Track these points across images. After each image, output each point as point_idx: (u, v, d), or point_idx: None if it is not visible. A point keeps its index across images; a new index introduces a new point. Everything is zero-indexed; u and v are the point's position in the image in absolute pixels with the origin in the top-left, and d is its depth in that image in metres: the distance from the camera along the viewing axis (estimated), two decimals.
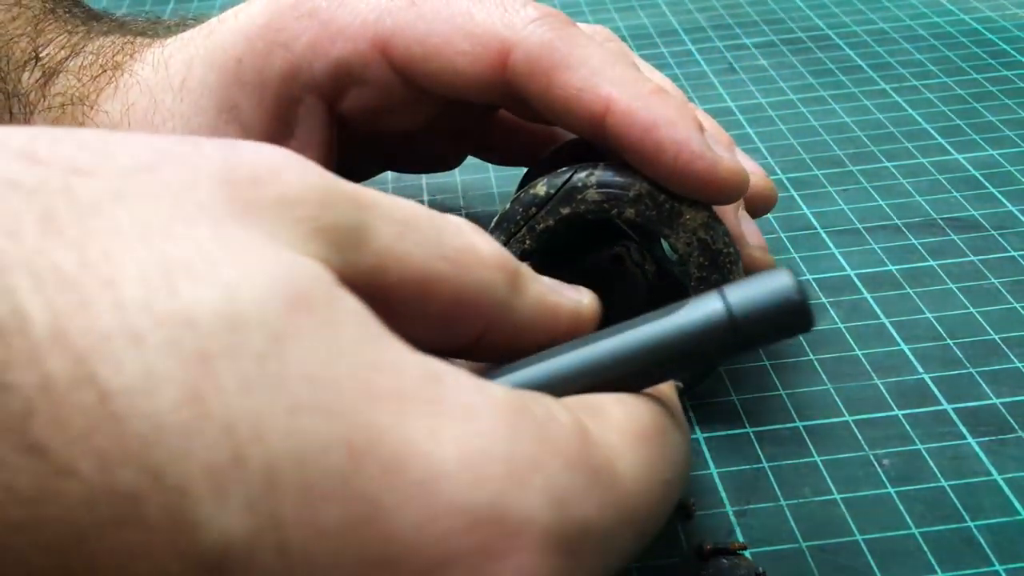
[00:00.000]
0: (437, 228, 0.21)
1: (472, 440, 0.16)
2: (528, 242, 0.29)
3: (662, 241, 0.34)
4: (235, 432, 0.15)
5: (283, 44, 0.31)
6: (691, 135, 0.28)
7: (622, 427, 0.20)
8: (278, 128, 0.32)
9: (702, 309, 0.21)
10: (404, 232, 0.20)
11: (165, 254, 0.15)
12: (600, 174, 0.29)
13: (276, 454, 0.15)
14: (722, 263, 0.29)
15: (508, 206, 0.30)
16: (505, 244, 0.29)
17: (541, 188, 0.29)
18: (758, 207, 0.32)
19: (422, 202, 0.45)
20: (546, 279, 0.24)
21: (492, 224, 0.30)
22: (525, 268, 0.23)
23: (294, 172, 0.18)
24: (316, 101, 0.32)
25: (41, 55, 0.35)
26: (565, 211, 0.29)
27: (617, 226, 0.31)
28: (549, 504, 0.16)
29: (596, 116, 0.28)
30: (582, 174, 0.29)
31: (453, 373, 0.17)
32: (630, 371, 0.21)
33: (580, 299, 0.24)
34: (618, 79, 0.28)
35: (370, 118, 0.33)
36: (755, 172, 0.31)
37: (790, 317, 0.21)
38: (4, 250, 0.14)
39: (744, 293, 0.21)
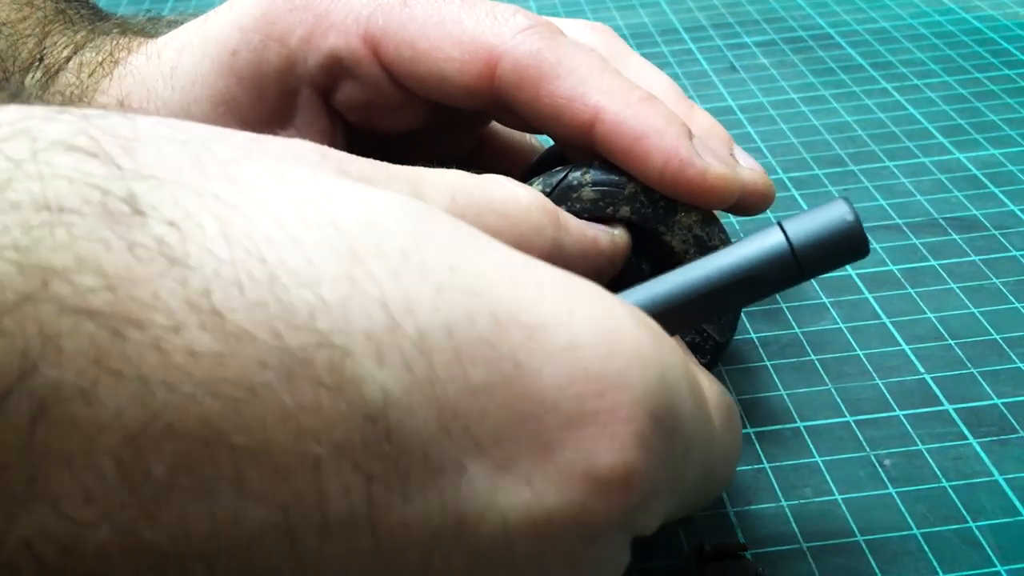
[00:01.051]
0: (482, 187, 0.23)
1: (607, 322, 0.19)
2: None
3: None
4: (388, 306, 0.17)
5: (278, 38, 0.31)
6: (680, 143, 0.28)
7: (708, 389, 0.23)
8: (277, 120, 0.33)
9: (764, 242, 0.23)
10: (455, 196, 0.22)
11: (303, 188, 0.18)
12: (595, 173, 0.29)
13: (426, 323, 0.17)
14: None
15: (534, 188, 0.29)
16: None
17: (537, 187, 0.29)
18: (756, 204, 0.32)
19: None
20: (580, 220, 0.27)
21: None
22: (561, 209, 0.26)
23: (360, 158, 0.21)
24: (312, 93, 0.32)
25: (45, 56, 0.35)
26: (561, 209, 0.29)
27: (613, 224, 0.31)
28: (662, 389, 0.19)
29: (584, 126, 0.28)
30: (577, 173, 0.29)
31: (576, 276, 0.20)
32: (700, 302, 0.23)
33: (612, 231, 0.28)
34: (606, 88, 0.29)
35: (364, 114, 0.33)
36: (754, 169, 0.32)
37: (846, 244, 0.22)
38: (172, 179, 0.17)
39: (802, 224, 0.23)
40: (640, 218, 0.29)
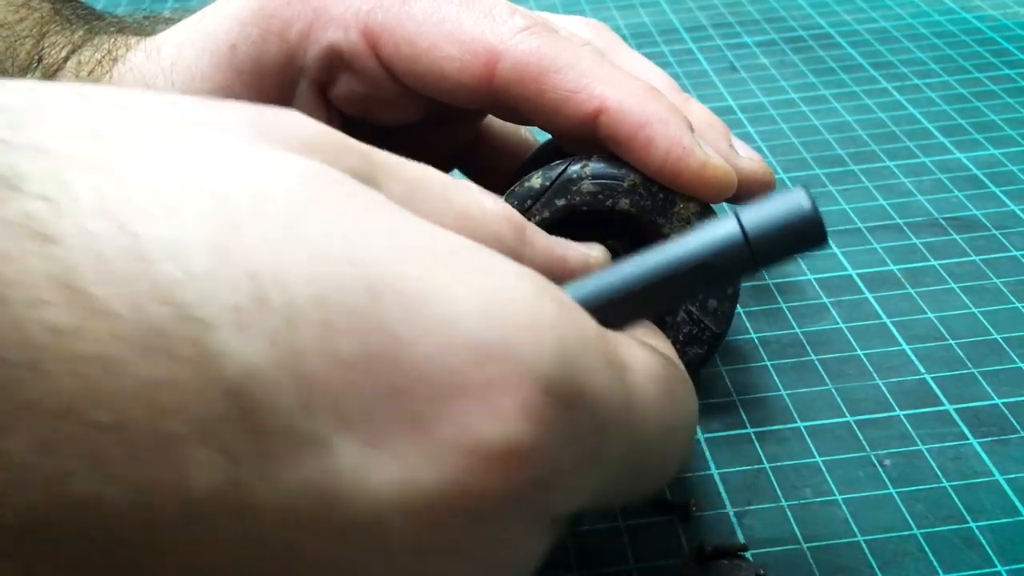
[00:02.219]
0: (445, 187, 0.23)
1: (497, 292, 0.18)
2: None
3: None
4: (258, 277, 0.16)
5: (277, 31, 0.32)
6: (683, 133, 0.28)
7: (640, 360, 0.21)
8: None
9: (718, 229, 0.23)
10: (414, 191, 0.22)
11: (196, 154, 0.18)
12: (594, 165, 0.29)
13: (296, 294, 0.17)
14: None
15: (503, 199, 0.30)
16: None
17: (536, 181, 0.29)
18: (756, 193, 0.32)
19: None
20: (555, 237, 0.26)
21: None
22: (532, 225, 0.25)
23: (312, 123, 0.20)
24: (309, 86, 0.32)
25: (44, 56, 0.35)
26: (560, 203, 0.29)
27: (608, 221, 0.31)
28: (557, 359, 0.18)
29: (588, 117, 0.29)
30: (576, 166, 0.29)
31: (489, 250, 0.19)
32: (654, 289, 0.23)
33: (588, 252, 0.27)
34: (608, 79, 0.29)
35: (362, 108, 0.33)
36: (752, 158, 0.32)
37: (802, 232, 0.22)
38: (61, 152, 0.17)
39: (757, 211, 0.22)
40: (639, 210, 0.29)
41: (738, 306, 0.36)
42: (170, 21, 0.37)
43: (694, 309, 0.30)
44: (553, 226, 0.30)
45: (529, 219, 0.29)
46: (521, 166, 0.35)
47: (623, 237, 0.31)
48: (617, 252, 0.31)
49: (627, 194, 0.29)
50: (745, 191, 0.31)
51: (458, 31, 0.30)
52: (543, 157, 0.34)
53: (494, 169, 0.40)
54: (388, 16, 0.31)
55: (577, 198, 0.29)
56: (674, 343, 0.31)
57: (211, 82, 0.32)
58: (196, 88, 0.32)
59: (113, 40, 0.36)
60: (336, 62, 0.32)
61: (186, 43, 0.33)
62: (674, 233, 0.29)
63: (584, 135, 0.29)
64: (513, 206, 0.29)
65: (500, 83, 0.29)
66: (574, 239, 0.31)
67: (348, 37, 0.31)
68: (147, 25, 0.38)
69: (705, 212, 0.29)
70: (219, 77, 0.32)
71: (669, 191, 0.29)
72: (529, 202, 0.29)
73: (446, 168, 0.42)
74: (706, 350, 0.31)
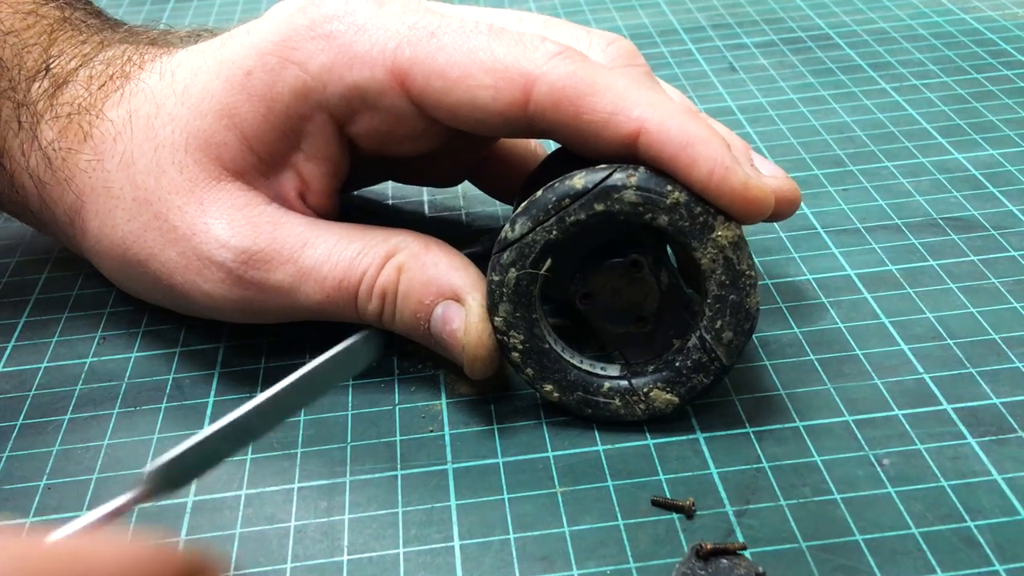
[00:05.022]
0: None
1: None
2: (555, 232, 0.29)
3: (667, 250, 0.34)
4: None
5: (297, 62, 0.32)
6: (724, 152, 0.28)
7: None
8: (283, 140, 0.33)
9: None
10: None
11: None
12: (640, 177, 0.29)
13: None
14: (742, 284, 0.29)
15: (540, 193, 0.30)
16: (531, 231, 0.30)
17: (579, 181, 0.29)
18: (784, 210, 0.32)
19: (421, 203, 0.45)
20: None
21: (520, 208, 0.30)
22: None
23: None
24: (326, 119, 0.32)
25: (52, 66, 0.35)
26: (599, 207, 0.29)
27: (640, 235, 0.31)
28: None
29: (628, 138, 0.29)
30: (621, 174, 0.29)
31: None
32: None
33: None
34: (647, 101, 0.29)
35: (379, 143, 0.33)
36: (777, 176, 0.32)
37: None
38: None
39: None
40: (676, 230, 0.29)
41: None
42: (185, 38, 0.37)
43: (708, 338, 0.30)
44: (585, 228, 0.29)
45: (564, 217, 0.29)
46: (531, 175, 0.35)
47: (650, 253, 0.31)
48: (642, 265, 0.31)
49: (668, 212, 0.29)
50: (775, 210, 0.31)
51: (491, 60, 0.30)
52: (552, 165, 0.34)
53: (505, 181, 0.41)
54: (417, 50, 0.30)
55: (617, 206, 0.29)
56: (681, 368, 0.31)
57: (220, 102, 0.32)
58: (204, 109, 0.33)
59: (127, 57, 0.36)
60: (358, 102, 0.32)
61: (202, 68, 0.33)
62: (705, 259, 0.29)
63: (623, 157, 0.29)
64: (551, 201, 0.29)
65: (536, 109, 0.29)
66: (601, 246, 0.31)
67: (375, 75, 0.31)
68: (160, 39, 0.38)
69: (739, 244, 0.29)
70: (228, 99, 0.32)
71: (710, 216, 0.29)
72: (568, 200, 0.29)
73: (457, 181, 0.42)
74: (711, 381, 0.31)
